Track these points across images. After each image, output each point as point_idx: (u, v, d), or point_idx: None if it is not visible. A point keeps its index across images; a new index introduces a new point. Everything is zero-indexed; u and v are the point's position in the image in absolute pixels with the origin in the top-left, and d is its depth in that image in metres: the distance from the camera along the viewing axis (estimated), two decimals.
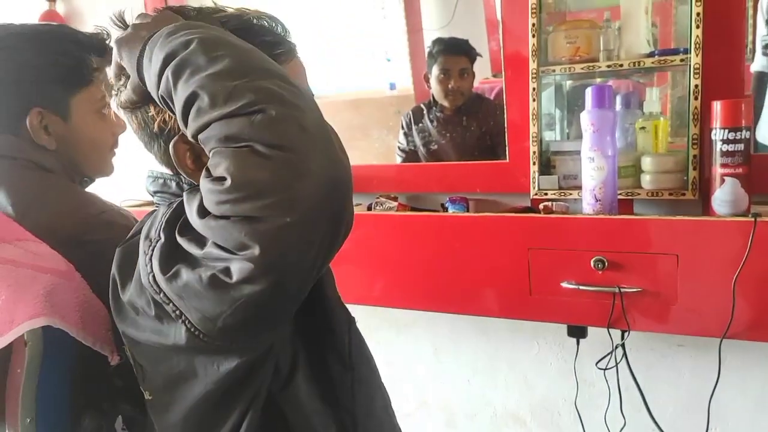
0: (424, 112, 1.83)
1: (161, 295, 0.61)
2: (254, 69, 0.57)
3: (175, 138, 0.67)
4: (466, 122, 1.79)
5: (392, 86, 1.96)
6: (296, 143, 0.53)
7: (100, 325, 0.79)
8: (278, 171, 0.53)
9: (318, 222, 0.55)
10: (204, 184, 0.56)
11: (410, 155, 1.84)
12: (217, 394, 0.68)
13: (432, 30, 1.82)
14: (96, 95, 1.00)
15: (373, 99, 1.95)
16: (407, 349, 1.79)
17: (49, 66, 0.94)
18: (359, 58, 1.96)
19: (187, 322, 0.60)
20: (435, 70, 1.77)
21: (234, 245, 0.54)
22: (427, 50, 1.79)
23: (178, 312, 0.60)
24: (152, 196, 0.80)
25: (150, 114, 0.71)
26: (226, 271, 0.55)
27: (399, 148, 1.87)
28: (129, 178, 1.17)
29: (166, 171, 0.77)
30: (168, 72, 0.58)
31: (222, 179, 0.54)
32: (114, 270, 0.72)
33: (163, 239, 0.63)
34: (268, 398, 0.70)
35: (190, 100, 0.57)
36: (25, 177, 0.92)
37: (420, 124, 1.83)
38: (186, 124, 0.58)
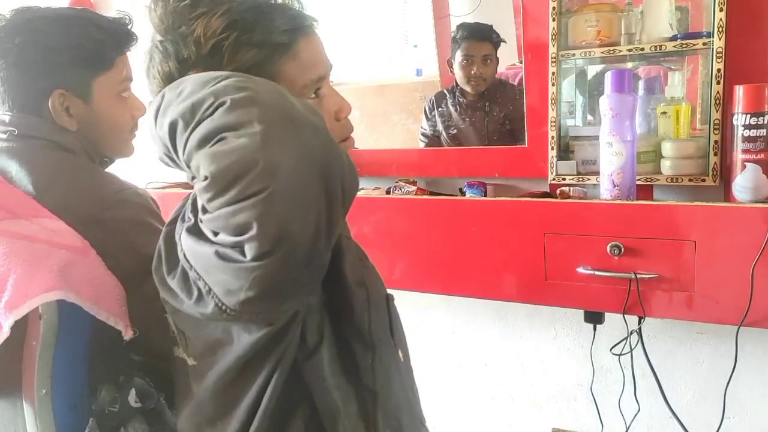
0: (447, 97, 1.83)
1: (193, 271, 0.65)
2: (210, 80, 0.62)
3: None
4: (488, 108, 1.78)
5: (419, 72, 1.95)
6: (255, 117, 0.56)
7: (114, 301, 0.81)
8: (245, 149, 0.55)
9: (303, 183, 0.56)
10: (196, 188, 0.61)
11: (433, 140, 1.84)
12: (246, 358, 0.71)
13: (459, 16, 1.80)
14: (117, 78, 1.02)
15: (399, 85, 1.95)
16: (426, 332, 1.80)
17: (71, 49, 0.97)
18: (387, 45, 1.96)
19: (215, 297, 0.62)
20: (458, 56, 1.76)
21: (235, 231, 0.57)
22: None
23: (207, 288, 0.63)
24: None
25: None
26: (240, 251, 0.57)
27: (421, 133, 1.87)
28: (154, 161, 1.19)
29: None
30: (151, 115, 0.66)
31: (204, 178, 0.58)
32: (161, 243, 0.75)
33: (192, 220, 0.66)
34: (294, 367, 0.73)
35: (173, 129, 0.62)
36: (46, 157, 0.95)
37: (442, 109, 1.83)
38: (179, 155, 0.64)
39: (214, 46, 0.70)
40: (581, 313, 1.43)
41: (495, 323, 1.71)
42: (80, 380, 0.83)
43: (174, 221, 0.75)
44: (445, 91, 1.83)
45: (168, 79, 0.72)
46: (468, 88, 1.77)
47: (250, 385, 0.72)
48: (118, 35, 1.02)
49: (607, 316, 1.40)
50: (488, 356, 1.73)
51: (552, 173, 1.42)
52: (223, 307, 0.62)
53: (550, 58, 1.38)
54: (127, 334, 0.82)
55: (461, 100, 1.80)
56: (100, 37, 0.99)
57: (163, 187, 1.71)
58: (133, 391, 0.84)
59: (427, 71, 1.93)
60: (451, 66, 1.79)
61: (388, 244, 1.47)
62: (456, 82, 1.79)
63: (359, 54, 1.96)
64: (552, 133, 1.41)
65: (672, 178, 1.30)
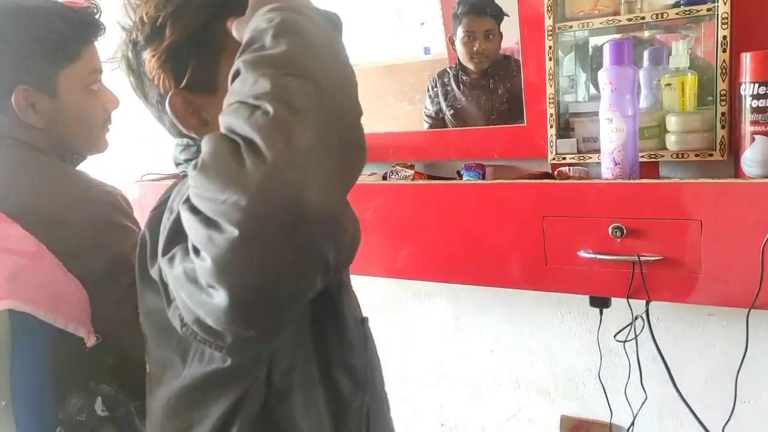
0: (450, 75, 1.77)
1: (164, 274, 0.59)
2: (295, 61, 0.53)
3: (171, 92, 0.67)
4: (492, 86, 1.72)
5: (427, 51, 1.90)
6: (276, 157, 0.48)
7: (74, 306, 0.78)
8: (243, 178, 0.48)
9: (271, 246, 0.48)
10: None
11: (436, 121, 1.79)
12: (193, 389, 0.65)
13: None
14: (84, 70, 0.99)
15: (408, 64, 1.90)
16: (429, 319, 1.76)
17: (33, 42, 0.93)
18: (394, 23, 1.90)
19: (177, 308, 0.57)
20: (459, 33, 1.70)
21: (194, 248, 0.51)
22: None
23: (172, 296, 0.58)
24: (177, 166, 0.78)
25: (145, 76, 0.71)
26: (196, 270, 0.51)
27: (425, 113, 1.82)
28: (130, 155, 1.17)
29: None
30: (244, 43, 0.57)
31: (196, 166, 0.51)
32: (145, 230, 0.69)
33: (175, 215, 0.59)
34: (266, 410, 0.68)
35: (235, 75, 0.55)
36: (9, 155, 0.92)
37: (446, 88, 1.77)
38: None
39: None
40: (587, 297, 1.38)
41: (499, 309, 1.66)
42: (45, 389, 0.80)
43: (161, 205, 0.68)
44: (448, 70, 1.77)
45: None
46: (471, 66, 1.71)
47: (198, 421, 0.66)
48: (84, 26, 0.98)
49: (615, 299, 1.34)
50: (493, 343, 1.69)
51: (552, 152, 1.36)
52: (183, 323, 0.57)
53: (546, 31, 1.31)
54: (90, 341, 0.79)
55: (464, 78, 1.74)
56: (63, 28, 0.95)
57: (159, 179, 1.69)
58: (99, 399, 0.81)
59: (435, 49, 1.87)
60: (453, 43, 1.73)
61: (387, 231, 1.43)
62: (459, 60, 1.73)
63: (368, 32, 1.90)
64: (551, 110, 1.34)
65: (677, 154, 1.24)
